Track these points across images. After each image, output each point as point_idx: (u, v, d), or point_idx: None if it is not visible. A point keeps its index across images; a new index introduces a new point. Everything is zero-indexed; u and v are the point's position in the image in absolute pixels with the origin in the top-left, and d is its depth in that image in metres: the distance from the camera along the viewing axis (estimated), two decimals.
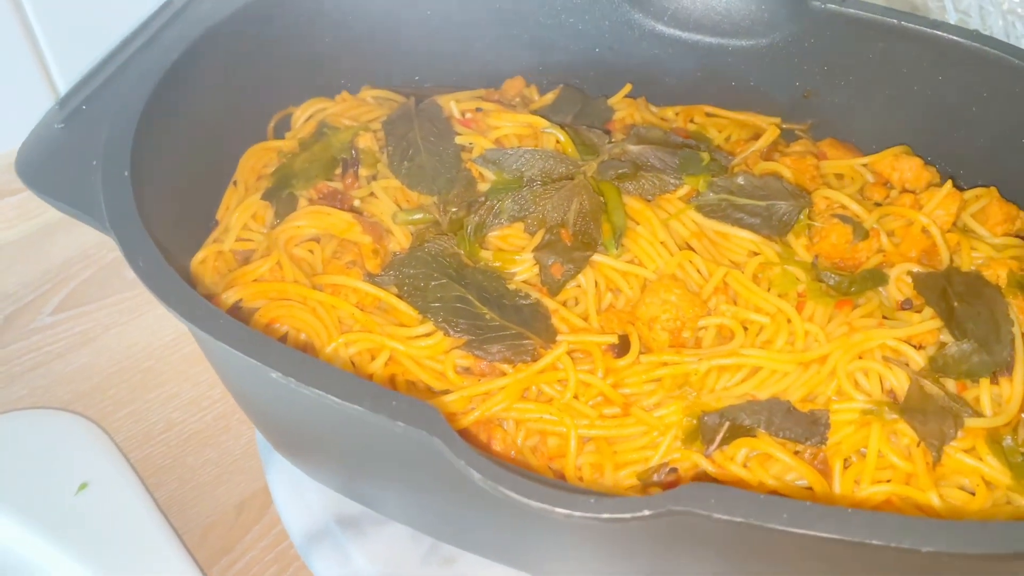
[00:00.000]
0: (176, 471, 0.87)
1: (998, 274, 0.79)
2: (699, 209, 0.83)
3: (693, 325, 0.77)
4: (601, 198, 0.82)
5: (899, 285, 0.80)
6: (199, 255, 0.80)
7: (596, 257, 0.80)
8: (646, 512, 0.53)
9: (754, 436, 0.72)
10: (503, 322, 0.76)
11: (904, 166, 0.88)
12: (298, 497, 0.81)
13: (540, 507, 0.53)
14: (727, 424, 0.72)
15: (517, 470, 0.55)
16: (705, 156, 0.85)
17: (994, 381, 0.73)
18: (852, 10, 0.87)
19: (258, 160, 0.87)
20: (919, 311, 0.78)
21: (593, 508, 0.53)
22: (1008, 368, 0.73)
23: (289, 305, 0.76)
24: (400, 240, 0.82)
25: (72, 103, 0.74)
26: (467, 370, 0.76)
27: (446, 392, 0.74)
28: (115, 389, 0.92)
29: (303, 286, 0.77)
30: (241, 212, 0.82)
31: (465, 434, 0.72)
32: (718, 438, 0.72)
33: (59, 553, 0.77)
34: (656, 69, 0.95)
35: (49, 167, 0.71)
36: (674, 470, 0.72)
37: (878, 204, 0.86)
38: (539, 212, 0.81)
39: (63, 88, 1.00)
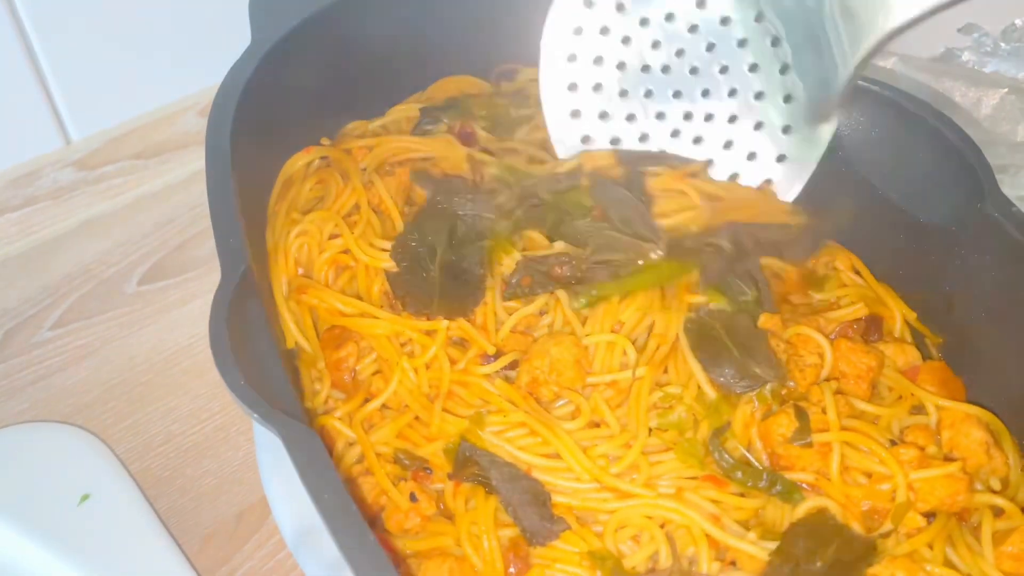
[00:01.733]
0: (176, 482, 0.88)
1: None
2: (686, 323, 0.77)
3: (565, 387, 0.75)
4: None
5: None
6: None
7: (560, 293, 0.79)
8: None
9: (488, 495, 0.71)
10: (439, 279, 0.78)
11: (967, 432, 0.74)
12: (294, 502, 0.82)
13: None
14: (472, 462, 0.72)
15: None
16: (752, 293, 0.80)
17: None
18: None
19: None
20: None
21: None
22: None
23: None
24: None
25: None
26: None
27: None
28: (115, 402, 0.92)
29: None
30: None
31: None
32: (461, 470, 0.72)
33: (61, 564, 0.77)
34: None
35: None
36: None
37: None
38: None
39: (62, 105, 1.02)
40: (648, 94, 0.88)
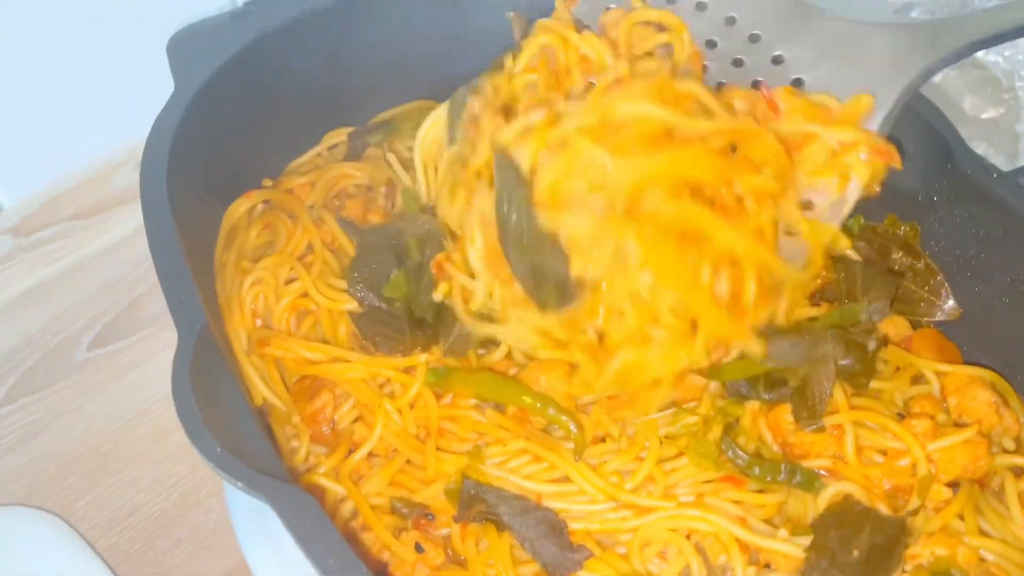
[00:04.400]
0: (147, 555, 0.82)
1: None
2: None
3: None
4: None
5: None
6: None
7: None
8: None
9: (500, 532, 0.67)
10: (405, 311, 0.74)
11: (973, 395, 0.72)
12: (278, 560, 0.78)
13: None
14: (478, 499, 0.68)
15: None
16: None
17: None
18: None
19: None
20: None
21: None
22: None
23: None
24: None
25: None
26: None
27: None
28: (74, 477, 0.87)
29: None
30: None
31: None
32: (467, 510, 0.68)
33: None
34: None
35: None
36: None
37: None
38: None
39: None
40: None
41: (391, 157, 0.86)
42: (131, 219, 1.04)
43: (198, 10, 0.90)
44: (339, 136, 0.90)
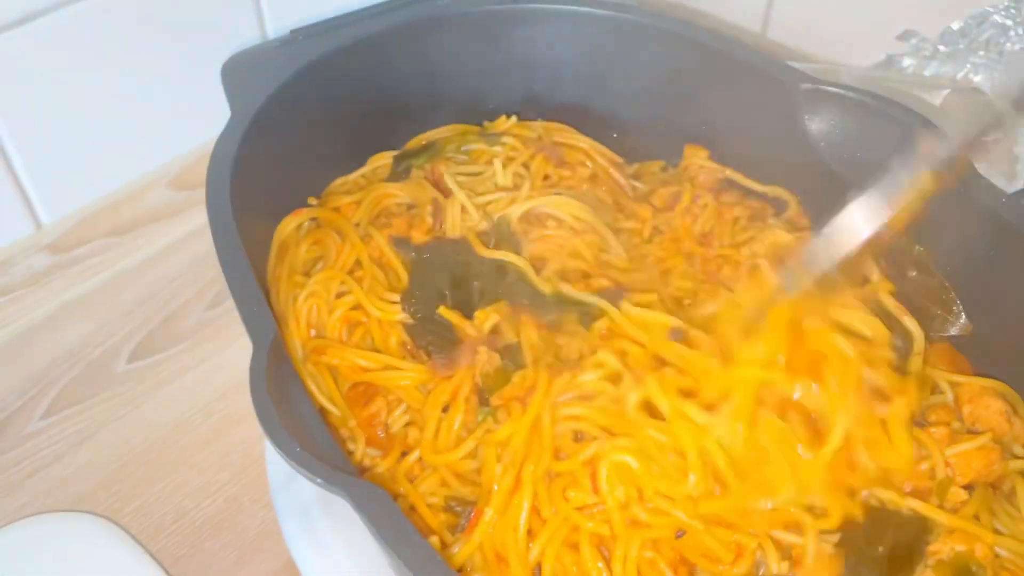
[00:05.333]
0: (196, 558, 0.84)
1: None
2: None
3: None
4: None
5: None
6: None
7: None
8: None
9: None
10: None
11: (986, 404, 0.77)
12: (328, 563, 0.81)
13: None
14: None
15: None
16: None
17: None
18: None
19: None
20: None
21: None
22: None
23: None
24: None
25: None
26: None
27: None
28: (119, 485, 0.89)
29: None
30: None
31: None
32: None
33: None
34: None
35: None
36: None
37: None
38: None
39: (31, 188, 1.00)
40: None
41: (447, 176, 0.90)
42: (165, 236, 1.08)
43: (235, 37, 0.94)
44: (384, 159, 0.95)
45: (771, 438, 0.68)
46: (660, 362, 0.74)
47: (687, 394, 0.71)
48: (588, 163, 0.98)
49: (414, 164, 0.94)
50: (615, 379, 0.73)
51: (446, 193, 0.90)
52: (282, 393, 0.65)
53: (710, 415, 0.69)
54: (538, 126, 1.00)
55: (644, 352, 0.74)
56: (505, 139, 0.96)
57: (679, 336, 0.75)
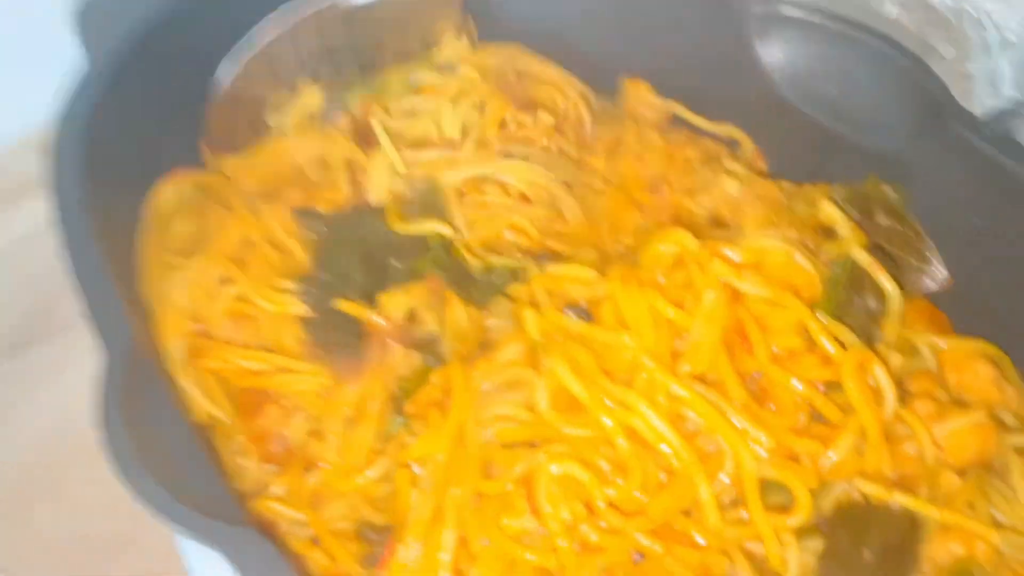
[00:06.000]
0: None
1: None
2: None
3: None
4: None
5: None
6: None
7: None
8: None
9: None
10: None
11: (974, 371, 0.68)
12: None
13: None
14: None
15: None
16: None
17: None
18: None
19: None
20: None
21: None
22: None
23: None
24: None
25: None
26: None
27: None
28: None
29: None
30: None
31: None
32: None
33: None
34: None
35: None
36: None
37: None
38: None
39: None
40: None
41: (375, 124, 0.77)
42: (36, 211, 0.95)
43: None
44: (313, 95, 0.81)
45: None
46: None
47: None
48: (560, 100, 0.84)
49: (350, 103, 0.80)
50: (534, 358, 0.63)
51: (370, 143, 0.77)
52: (141, 415, 0.54)
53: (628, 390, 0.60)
54: (497, 51, 0.84)
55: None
56: (462, 69, 0.82)
57: (583, 314, 0.65)
